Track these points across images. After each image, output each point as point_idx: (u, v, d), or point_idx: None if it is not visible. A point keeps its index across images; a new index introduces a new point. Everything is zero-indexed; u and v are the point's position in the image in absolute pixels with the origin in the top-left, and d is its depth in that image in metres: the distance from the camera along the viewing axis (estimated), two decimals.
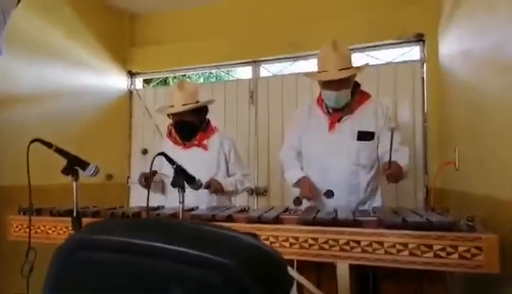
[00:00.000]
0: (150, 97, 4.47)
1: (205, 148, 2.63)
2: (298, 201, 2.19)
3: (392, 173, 2.06)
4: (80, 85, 3.79)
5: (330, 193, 2.23)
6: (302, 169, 2.44)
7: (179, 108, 2.53)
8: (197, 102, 2.59)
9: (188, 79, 6.00)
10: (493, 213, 1.67)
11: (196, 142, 2.63)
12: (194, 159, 2.52)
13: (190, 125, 2.60)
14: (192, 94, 2.60)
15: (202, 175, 2.48)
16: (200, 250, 0.57)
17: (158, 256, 0.58)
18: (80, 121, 3.73)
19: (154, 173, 2.32)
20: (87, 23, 3.85)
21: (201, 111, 2.65)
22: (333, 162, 2.32)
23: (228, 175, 2.67)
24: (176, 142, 2.67)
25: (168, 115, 2.67)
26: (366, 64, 2.42)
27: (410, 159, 2.26)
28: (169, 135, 2.74)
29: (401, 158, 2.18)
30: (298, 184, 2.38)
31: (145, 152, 2.26)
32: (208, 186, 2.42)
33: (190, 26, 4.22)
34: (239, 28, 3.97)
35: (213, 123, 2.75)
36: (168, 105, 2.66)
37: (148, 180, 2.26)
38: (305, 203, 2.28)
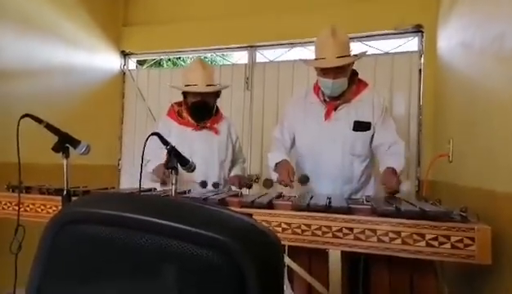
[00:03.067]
0: (143, 79, 4.40)
1: (216, 132, 2.63)
2: (268, 183, 2.02)
3: (393, 191, 2.01)
4: (72, 63, 3.71)
5: (304, 179, 2.04)
6: (287, 155, 2.38)
7: (205, 88, 2.51)
8: (217, 85, 2.61)
9: (183, 62, 5.93)
10: (485, 205, 1.67)
11: (208, 125, 2.61)
12: (205, 142, 2.57)
13: (208, 106, 2.58)
14: (213, 75, 2.60)
15: (213, 158, 2.59)
16: (198, 227, 0.55)
17: (152, 231, 0.56)
18: (71, 100, 3.66)
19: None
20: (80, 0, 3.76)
21: (218, 94, 2.65)
22: (328, 150, 2.30)
23: (233, 160, 2.74)
24: (185, 123, 2.61)
25: (183, 93, 2.61)
26: (365, 53, 2.39)
27: (405, 156, 2.24)
28: (176, 115, 2.65)
29: (398, 160, 2.15)
30: (277, 168, 2.29)
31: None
32: (239, 183, 2.58)
33: (186, 7, 4.15)
34: (236, 12, 3.92)
35: (221, 108, 2.75)
36: (184, 83, 2.58)
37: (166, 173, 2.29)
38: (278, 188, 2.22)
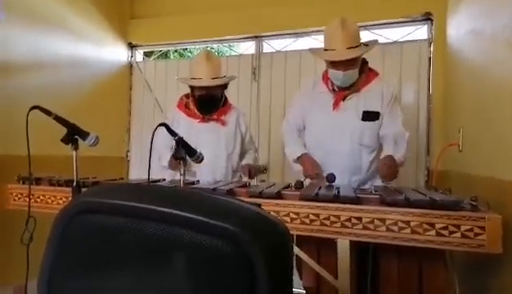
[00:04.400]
0: (150, 70, 4.41)
1: (223, 123, 2.61)
2: (299, 184, 2.03)
3: (387, 175, 2.07)
4: (79, 55, 3.72)
5: (332, 177, 2.06)
6: (304, 146, 2.40)
7: (209, 81, 2.49)
8: (223, 77, 2.58)
9: (190, 53, 5.91)
10: (496, 194, 1.65)
11: (215, 117, 2.60)
12: (212, 134, 2.56)
13: (215, 99, 2.57)
14: (219, 67, 2.58)
15: (220, 150, 2.58)
16: (207, 216, 0.55)
17: (162, 220, 0.56)
18: (79, 92, 3.67)
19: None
20: None
21: (225, 86, 2.63)
22: (336, 141, 2.28)
23: (241, 151, 2.71)
24: (192, 115, 2.61)
25: (190, 86, 2.60)
26: (375, 42, 2.34)
27: (407, 146, 2.24)
28: (184, 107, 2.66)
29: (398, 149, 2.17)
30: (299, 160, 2.34)
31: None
32: (249, 172, 2.52)
33: None
34: (242, 2, 3.88)
35: (229, 99, 2.72)
36: (190, 76, 2.59)
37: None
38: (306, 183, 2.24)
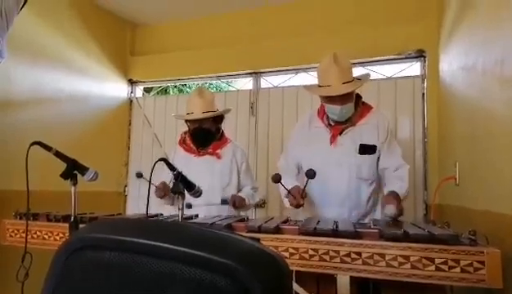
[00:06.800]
0: (149, 106, 4.47)
1: (218, 157, 2.65)
2: (276, 177, 2.00)
3: (393, 216, 2.01)
4: (80, 91, 3.80)
5: (311, 173, 1.98)
6: (296, 180, 2.36)
7: (199, 115, 2.56)
8: (216, 110, 2.63)
9: (189, 89, 6.01)
10: (494, 228, 1.65)
11: (210, 150, 2.64)
12: (207, 167, 2.59)
13: (207, 132, 2.62)
14: (211, 102, 2.65)
15: (214, 184, 2.57)
16: (205, 251, 0.56)
17: (161, 256, 0.57)
18: (79, 128, 3.72)
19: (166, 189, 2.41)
20: (88, 30, 3.88)
21: (218, 120, 2.68)
22: (334, 175, 2.29)
23: (238, 186, 2.70)
24: (188, 150, 2.68)
25: (186, 122, 2.69)
26: (368, 75, 2.41)
27: (410, 180, 2.23)
28: (183, 142, 2.74)
29: (401, 185, 2.15)
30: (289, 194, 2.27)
31: (139, 175, 2.28)
32: (233, 202, 2.50)
33: (191, 36, 4.25)
34: (240, 39, 4.00)
35: (226, 134, 2.76)
36: (185, 112, 2.68)
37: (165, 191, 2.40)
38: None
